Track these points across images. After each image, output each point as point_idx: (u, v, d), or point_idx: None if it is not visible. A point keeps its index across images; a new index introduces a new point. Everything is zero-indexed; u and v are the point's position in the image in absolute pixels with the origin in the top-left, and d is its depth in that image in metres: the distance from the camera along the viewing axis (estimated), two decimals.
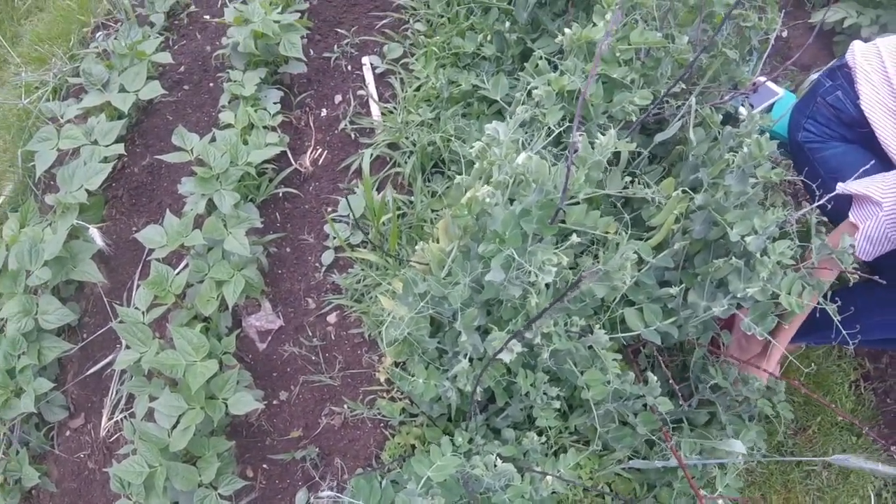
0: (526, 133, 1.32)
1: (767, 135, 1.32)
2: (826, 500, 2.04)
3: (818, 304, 1.36)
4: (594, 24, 1.39)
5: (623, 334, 1.35)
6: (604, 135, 1.22)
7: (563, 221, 1.23)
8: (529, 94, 1.37)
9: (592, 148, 1.12)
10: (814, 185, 1.62)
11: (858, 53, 1.55)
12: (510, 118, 1.22)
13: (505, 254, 1.02)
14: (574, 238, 1.08)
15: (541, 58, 1.44)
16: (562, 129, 1.24)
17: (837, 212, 1.47)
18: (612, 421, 1.45)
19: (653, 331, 1.35)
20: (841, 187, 1.42)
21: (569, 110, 1.37)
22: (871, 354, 2.26)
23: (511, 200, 1.16)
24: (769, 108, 1.86)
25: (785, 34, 2.43)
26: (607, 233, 1.26)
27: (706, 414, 1.64)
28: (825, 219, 1.82)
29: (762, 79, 1.92)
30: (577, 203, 1.23)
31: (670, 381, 1.57)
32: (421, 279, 1.28)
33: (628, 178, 1.27)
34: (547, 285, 1.27)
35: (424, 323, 1.36)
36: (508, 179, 1.12)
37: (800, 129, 1.65)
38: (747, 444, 1.52)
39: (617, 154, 1.50)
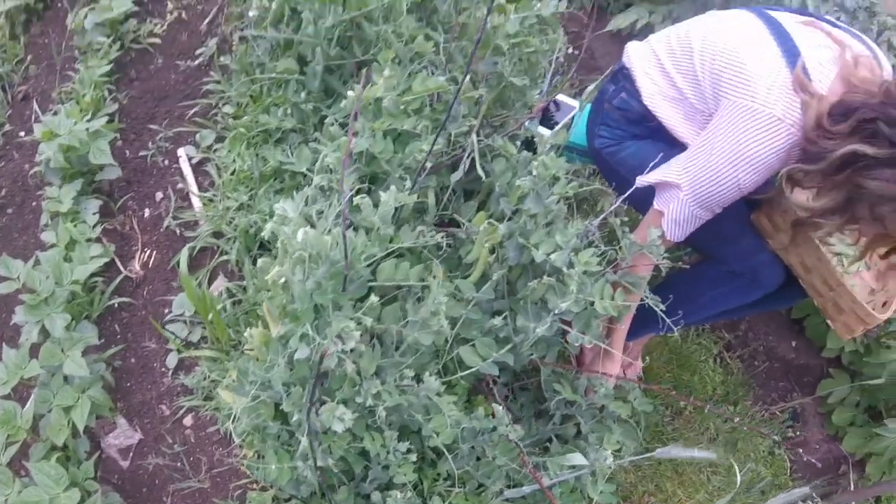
0: (327, 203, 1.34)
1: (553, 155, 1.38)
2: (721, 473, 2.12)
3: (642, 299, 1.44)
4: (374, 84, 1.43)
5: (462, 373, 1.37)
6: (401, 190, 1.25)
7: (375, 279, 1.25)
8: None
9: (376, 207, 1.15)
10: (613, 186, 1.71)
11: (633, 53, 1.65)
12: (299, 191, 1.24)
13: (300, 331, 1.03)
14: (373, 298, 1.09)
15: (332, 123, 1.47)
16: (353, 192, 1.26)
17: (647, 204, 1.54)
18: (476, 458, 1.47)
19: (490, 363, 1.38)
20: (640, 181, 1.49)
21: (365, 171, 1.40)
22: (727, 326, 2.39)
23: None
24: (569, 123, 1.96)
25: (570, 50, 2.57)
26: (423, 281, 1.28)
27: (573, 427, 1.68)
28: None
29: (560, 97, 2.04)
30: (394, 256, 1.25)
31: (536, 402, 1.61)
32: (251, 366, 1.26)
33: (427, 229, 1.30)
34: (374, 345, 1.29)
35: (266, 409, 1.34)
36: (304, 255, 1.13)
37: (595, 137, 1.73)
38: (613, 447, 1.56)
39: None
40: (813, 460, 2.23)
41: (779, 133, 1.28)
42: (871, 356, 2.09)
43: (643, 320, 1.60)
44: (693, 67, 1.47)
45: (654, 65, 1.59)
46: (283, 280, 1.11)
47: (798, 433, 2.26)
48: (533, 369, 1.82)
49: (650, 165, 1.47)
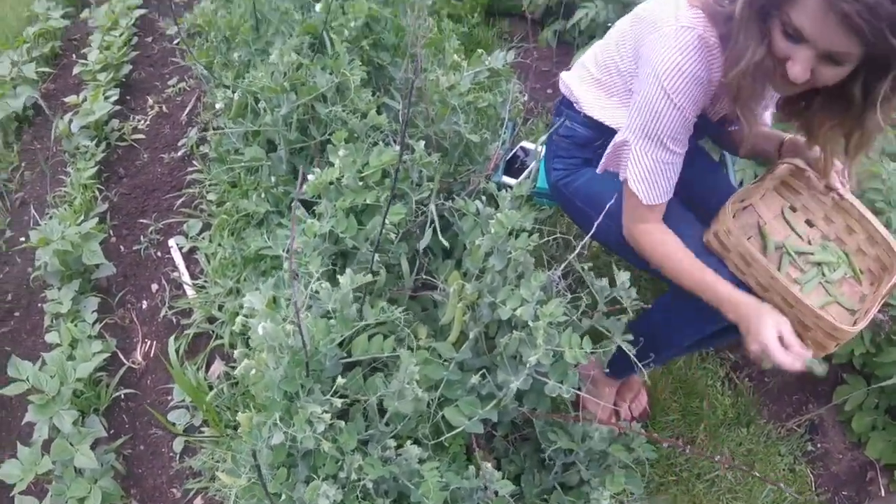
0: (301, 285, 1.37)
1: (510, 212, 1.41)
2: (741, 498, 2.09)
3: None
4: (331, 165, 1.48)
5: (448, 434, 1.39)
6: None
7: (349, 354, 1.28)
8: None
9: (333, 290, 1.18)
10: (576, 221, 1.70)
11: (565, 78, 1.67)
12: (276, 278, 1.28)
13: (271, 420, 1.06)
14: (339, 380, 1.13)
15: (298, 206, 1.52)
16: (322, 273, 1.30)
17: (608, 233, 1.53)
18: None
19: (476, 421, 1.39)
20: (600, 170, 1.52)
21: (332, 249, 1.45)
22: (732, 346, 2.36)
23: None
24: (535, 169, 2.00)
25: (525, 98, 2.62)
26: (394, 351, 1.31)
27: (575, 474, 1.67)
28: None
29: (525, 143, 2.08)
30: (368, 332, 1.29)
31: (538, 452, 1.61)
32: (244, 449, 1.29)
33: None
34: (357, 417, 1.32)
35: (260, 490, 1.36)
36: (269, 346, 1.17)
37: (550, 171, 1.73)
38: (616, 489, 1.56)
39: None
40: (837, 471, 2.19)
41: (688, 38, 1.25)
42: (883, 356, 2.04)
43: (624, 356, 1.60)
44: (615, 60, 1.49)
45: (586, 78, 1.60)
46: (253, 371, 1.14)
47: (819, 445, 2.22)
48: (532, 419, 1.83)
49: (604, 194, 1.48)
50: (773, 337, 1.29)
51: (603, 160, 1.51)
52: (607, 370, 1.71)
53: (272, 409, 1.08)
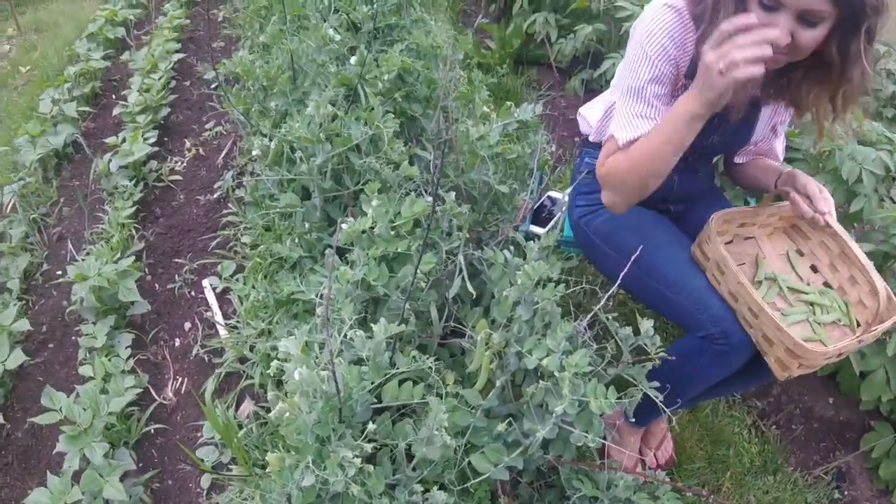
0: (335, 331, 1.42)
1: (537, 263, 1.45)
2: None
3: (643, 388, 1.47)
4: (364, 214, 1.53)
5: (474, 480, 1.41)
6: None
7: (379, 399, 1.32)
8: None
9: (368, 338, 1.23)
10: (596, 264, 1.72)
11: (582, 112, 1.75)
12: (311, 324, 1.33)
13: (304, 463, 1.10)
14: (371, 426, 1.16)
15: (332, 254, 1.56)
16: (354, 320, 1.35)
17: (631, 278, 1.54)
18: None
19: (501, 468, 1.42)
20: (593, 138, 1.63)
21: (364, 296, 1.49)
22: (760, 393, 2.36)
23: None
24: (562, 219, 2.03)
25: (553, 147, 2.69)
26: (424, 398, 1.35)
27: None
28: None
29: (553, 193, 2.13)
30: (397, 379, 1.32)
31: (563, 499, 1.62)
32: (273, 488, 1.33)
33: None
34: (384, 462, 1.35)
35: None
36: (307, 390, 1.21)
37: (573, 209, 1.79)
38: None
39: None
40: None
41: (665, 8, 1.36)
42: None
43: (648, 404, 1.62)
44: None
45: (600, 106, 1.69)
46: (286, 415, 1.18)
47: (846, 493, 2.20)
48: (552, 469, 1.84)
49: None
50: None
51: (595, 130, 1.58)
52: (632, 420, 1.73)
53: (304, 451, 1.12)
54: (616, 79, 1.54)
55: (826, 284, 1.63)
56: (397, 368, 1.27)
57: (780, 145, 1.72)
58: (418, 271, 1.47)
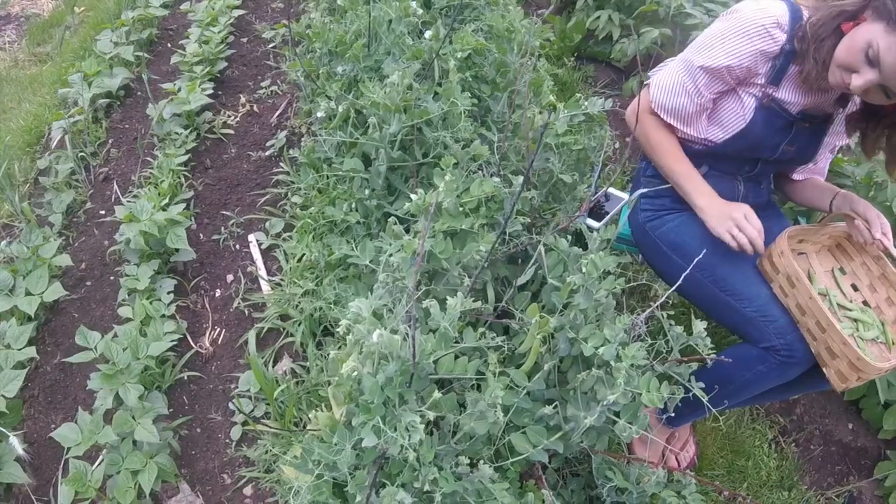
0: (392, 298, 1.44)
1: (602, 253, 1.47)
2: None
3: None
4: (433, 187, 1.55)
5: (513, 459, 1.44)
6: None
7: (436, 370, 1.34)
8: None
9: (443, 310, 1.25)
10: (656, 267, 1.76)
11: None
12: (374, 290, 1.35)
13: (371, 423, 1.12)
14: (436, 394, 1.18)
15: (395, 223, 1.58)
16: (421, 290, 1.37)
17: (691, 284, 1.60)
18: None
19: (541, 450, 1.44)
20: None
21: (426, 268, 1.51)
22: (782, 410, 2.39)
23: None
24: (618, 215, 2.05)
25: (617, 145, 2.70)
26: (480, 373, 1.37)
27: None
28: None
29: (611, 190, 2.14)
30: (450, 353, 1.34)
31: (587, 488, 1.65)
32: (316, 446, 1.35)
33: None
34: (431, 432, 1.37)
35: (328, 488, 1.42)
36: (373, 352, 1.23)
37: (637, 212, 1.82)
38: None
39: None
40: None
41: (774, 30, 1.45)
42: None
43: (685, 404, 1.64)
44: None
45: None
46: (354, 373, 1.20)
47: None
48: (584, 456, 1.86)
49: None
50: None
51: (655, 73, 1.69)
52: (667, 417, 1.75)
53: (375, 412, 1.14)
54: (690, 48, 1.61)
55: (864, 303, 1.69)
56: (464, 343, 1.29)
57: (827, 166, 1.80)
58: (481, 249, 1.49)
